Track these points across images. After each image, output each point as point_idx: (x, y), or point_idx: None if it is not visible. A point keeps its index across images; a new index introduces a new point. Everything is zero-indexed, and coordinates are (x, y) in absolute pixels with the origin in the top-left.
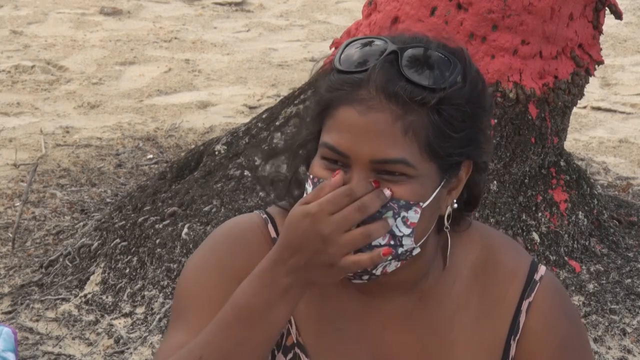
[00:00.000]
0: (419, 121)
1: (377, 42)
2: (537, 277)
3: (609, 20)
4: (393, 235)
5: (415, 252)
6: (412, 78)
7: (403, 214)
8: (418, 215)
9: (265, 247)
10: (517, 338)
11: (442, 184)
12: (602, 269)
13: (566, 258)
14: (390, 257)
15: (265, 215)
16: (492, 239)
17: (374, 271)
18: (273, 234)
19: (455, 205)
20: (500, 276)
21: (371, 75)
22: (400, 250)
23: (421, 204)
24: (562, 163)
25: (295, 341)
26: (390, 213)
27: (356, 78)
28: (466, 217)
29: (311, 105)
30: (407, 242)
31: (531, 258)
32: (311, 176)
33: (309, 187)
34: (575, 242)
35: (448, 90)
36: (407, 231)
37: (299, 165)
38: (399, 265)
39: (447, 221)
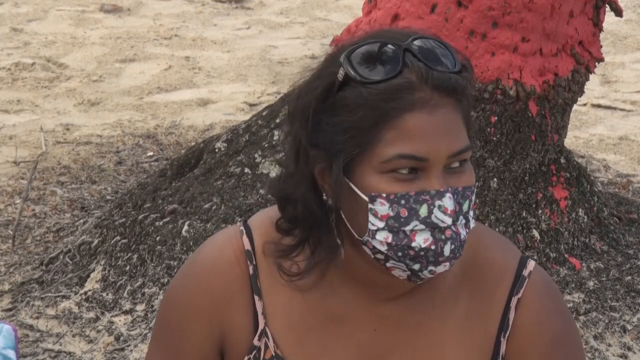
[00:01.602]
0: (463, 106)
1: (382, 45)
2: (525, 272)
3: (609, 18)
4: (468, 222)
5: None
6: (446, 69)
7: (472, 198)
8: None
9: (239, 273)
10: (507, 335)
11: None
12: (602, 266)
13: (566, 255)
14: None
15: (242, 227)
16: (480, 236)
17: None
18: (247, 246)
19: None
20: (489, 273)
21: (414, 75)
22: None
23: (476, 183)
24: (562, 160)
25: (273, 354)
26: (467, 203)
27: (402, 83)
28: None
29: (345, 125)
30: (472, 225)
31: (520, 254)
32: (384, 194)
33: (380, 207)
34: (576, 240)
35: (470, 71)
36: (472, 214)
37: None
38: None
39: None
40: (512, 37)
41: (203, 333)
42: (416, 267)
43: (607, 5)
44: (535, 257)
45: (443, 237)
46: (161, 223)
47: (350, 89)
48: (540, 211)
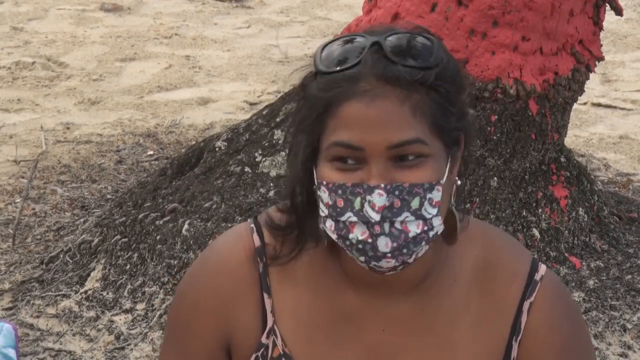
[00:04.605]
0: (423, 100)
1: (357, 38)
2: (537, 276)
3: (609, 17)
4: (424, 220)
5: (440, 231)
6: (406, 63)
7: (429, 196)
8: (440, 193)
9: (248, 271)
10: (519, 339)
11: (450, 159)
12: (603, 265)
13: (566, 254)
14: (423, 243)
15: (253, 224)
16: (492, 238)
17: (409, 260)
18: (257, 244)
19: (459, 182)
20: (501, 276)
21: (366, 67)
22: (431, 233)
23: (441, 181)
24: (562, 159)
25: (281, 352)
26: (417, 199)
27: (351, 73)
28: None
29: (303, 114)
30: (437, 222)
31: (531, 257)
32: (324, 182)
33: (324, 194)
34: (576, 239)
35: (440, 66)
36: (434, 211)
37: (308, 178)
38: (427, 249)
39: (453, 198)
40: (512, 36)
41: (210, 331)
42: (362, 258)
43: (607, 4)
44: (536, 256)
45: (374, 231)
46: (161, 222)
47: (314, 81)
48: (540, 210)
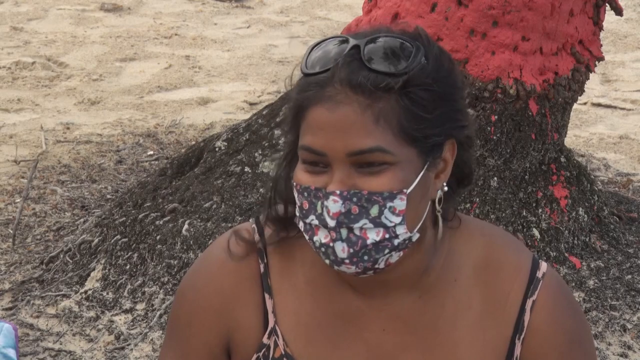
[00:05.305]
0: (388, 107)
1: (340, 41)
2: (539, 274)
3: (609, 17)
4: (385, 228)
5: (414, 239)
6: (374, 67)
7: (389, 204)
8: (404, 202)
9: (249, 271)
10: (522, 337)
11: (426, 167)
12: (603, 265)
13: (566, 254)
14: (387, 250)
15: (254, 225)
16: (492, 236)
17: (376, 266)
18: (259, 245)
19: (446, 189)
20: (502, 274)
21: (335, 72)
22: (396, 241)
23: (405, 190)
24: (562, 159)
25: (283, 352)
26: (376, 207)
27: (322, 77)
28: (458, 208)
29: (286, 114)
30: (401, 231)
31: (532, 255)
32: (295, 184)
33: (295, 195)
34: (576, 239)
35: (411, 73)
36: (397, 219)
37: (286, 175)
38: (401, 255)
39: (439, 205)
40: (512, 36)
41: (210, 330)
42: (327, 261)
43: (607, 4)
44: (536, 256)
45: (332, 236)
46: (161, 222)
47: (297, 82)
48: (540, 210)
